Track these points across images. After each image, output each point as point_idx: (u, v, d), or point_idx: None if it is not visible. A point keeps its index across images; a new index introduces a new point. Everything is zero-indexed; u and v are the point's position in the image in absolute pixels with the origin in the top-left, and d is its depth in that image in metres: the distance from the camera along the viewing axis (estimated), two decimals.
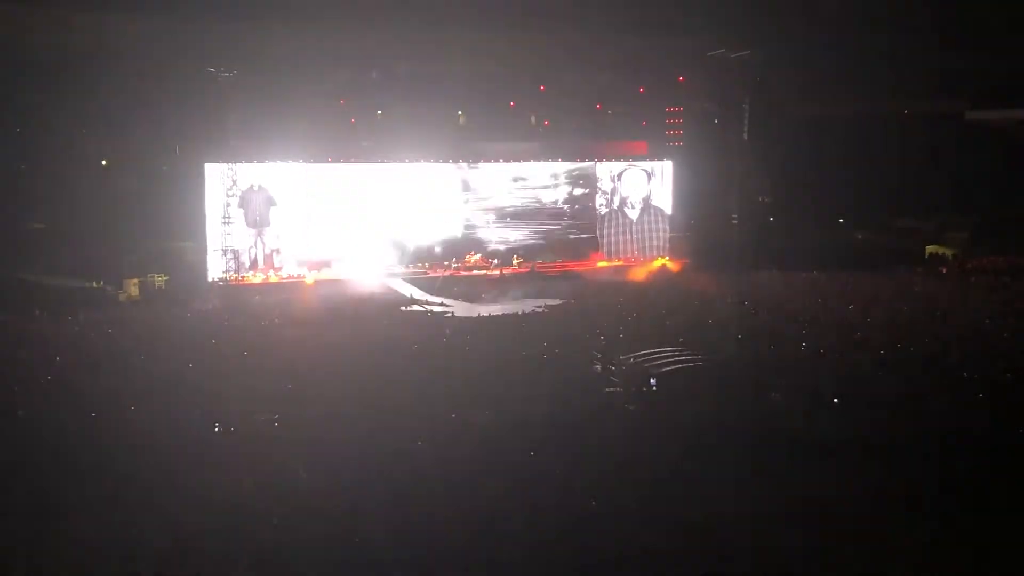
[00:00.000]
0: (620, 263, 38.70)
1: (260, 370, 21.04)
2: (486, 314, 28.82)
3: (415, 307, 30.96)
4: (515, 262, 37.32)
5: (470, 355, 22.83)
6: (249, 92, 33.69)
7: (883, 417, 17.35)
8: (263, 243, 34.16)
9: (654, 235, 39.43)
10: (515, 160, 37.82)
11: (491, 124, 38.51)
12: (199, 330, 26.16)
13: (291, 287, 33.37)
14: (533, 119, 39.57)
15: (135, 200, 32.62)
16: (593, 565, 12.07)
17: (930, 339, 23.55)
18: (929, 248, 40.54)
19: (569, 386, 19.95)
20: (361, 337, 25.24)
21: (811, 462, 14.97)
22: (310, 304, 30.56)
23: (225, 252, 33.57)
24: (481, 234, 37.51)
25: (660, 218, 39.46)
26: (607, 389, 20.44)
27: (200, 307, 30.40)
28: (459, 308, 30.51)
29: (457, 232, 37.15)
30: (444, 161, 36.87)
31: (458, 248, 36.97)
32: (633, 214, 39.30)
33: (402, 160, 36.02)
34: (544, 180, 38.38)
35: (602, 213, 39.07)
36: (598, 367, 21.73)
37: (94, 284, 31.62)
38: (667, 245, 39.32)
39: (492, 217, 37.59)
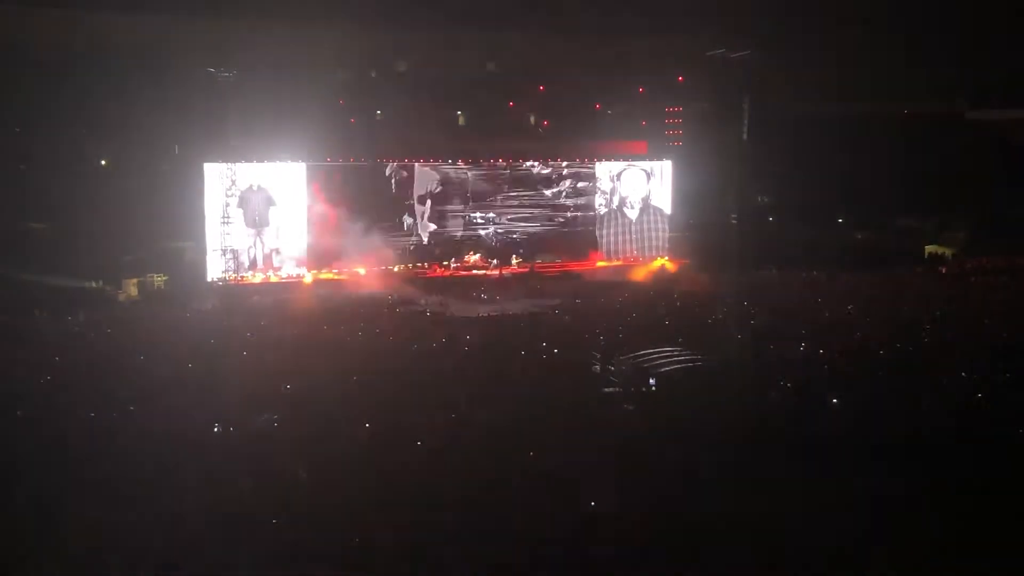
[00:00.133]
0: (619, 263, 38.71)
1: (259, 370, 21.02)
2: (485, 314, 28.83)
3: (414, 307, 30.95)
4: (514, 262, 37.34)
5: (469, 355, 22.83)
6: (248, 92, 33.66)
7: (882, 417, 17.34)
8: (262, 243, 34.15)
9: (653, 235, 39.43)
10: (514, 160, 37.83)
11: (490, 124, 38.52)
12: (198, 330, 26.15)
13: (290, 287, 33.37)
14: (532, 119, 39.59)
15: (134, 200, 32.56)
16: (592, 565, 12.06)
17: (929, 339, 23.56)
18: (928, 248, 40.57)
19: (568, 386, 19.95)
20: (360, 337, 25.25)
21: (811, 462, 14.94)
22: (309, 304, 30.55)
23: (224, 252, 33.57)
24: (480, 234, 37.52)
25: (659, 218, 39.46)
26: (606, 389, 20.44)
27: (199, 307, 30.40)
28: (458, 308, 30.51)
29: (456, 232, 37.16)
30: (443, 161, 36.87)
31: (457, 248, 36.98)
32: (632, 214, 39.30)
33: (401, 160, 36.02)
34: (543, 180, 38.38)
35: (601, 213, 39.08)
36: (597, 367, 21.72)
37: (93, 284, 31.62)
38: (666, 245, 39.33)
39: (491, 217, 37.60)
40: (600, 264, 38.58)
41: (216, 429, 16.80)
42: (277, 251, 34.34)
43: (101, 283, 31.78)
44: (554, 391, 19.36)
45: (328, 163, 35.22)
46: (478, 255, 36.99)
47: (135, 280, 32.12)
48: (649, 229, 39.43)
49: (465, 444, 16.10)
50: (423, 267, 36.13)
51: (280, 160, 33.98)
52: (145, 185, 33.47)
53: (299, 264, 34.40)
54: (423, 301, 31.68)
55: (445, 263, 36.54)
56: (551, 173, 38.38)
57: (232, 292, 32.74)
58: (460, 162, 37.12)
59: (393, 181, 36.10)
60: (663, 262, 38.75)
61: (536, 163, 38.11)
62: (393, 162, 36.00)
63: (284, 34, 33.74)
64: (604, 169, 39.05)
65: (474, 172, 37.36)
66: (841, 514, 13.21)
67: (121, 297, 31.47)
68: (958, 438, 16.01)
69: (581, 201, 38.82)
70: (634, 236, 39.28)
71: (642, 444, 16.31)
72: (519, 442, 16.10)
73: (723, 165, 40.47)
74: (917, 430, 16.56)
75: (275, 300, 31.28)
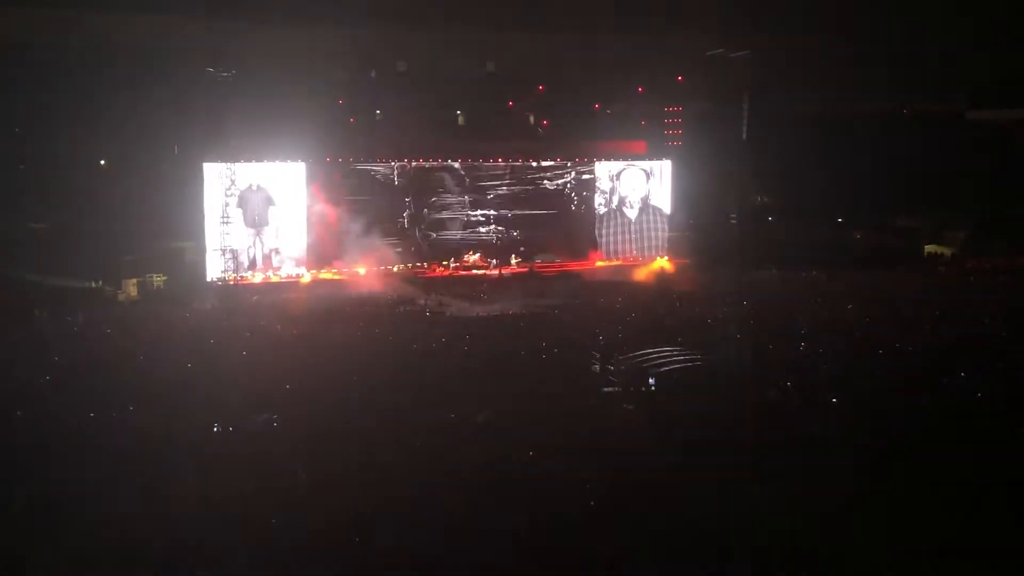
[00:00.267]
0: (619, 263, 38.71)
1: (259, 370, 21.02)
2: (484, 314, 28.84)
3: (414, 307, 30.95)
4: (513, 262, 37.34)
5: (469, 355, 22.83)
6: (248, 92, 33.67)
7: (881, 417, 17.34)
8: (262, 243, 34.15)
9: (653, 235, 39.43)
10: (513, 160, 37.82)
11: (489, 124, 38.52)
12: (198, 330, 26.15)
13: (290, 287, 33.38)
14: (532, 119, 39.59)
15: (134, 200, 32.58)
16: (592, 565, 12.07)
17: (929, 338, 23.57)
18: (928, 247, 40.58)
19: (568, 386, 19.96)
20: (360, 337, 25.25)
21: (811, 462, 14.94)
22: (309, 304, 30.54)
23: (224, 252, 33.57)
24: (480, 234, 37.52)
25: (659, 217, 39.46)
26: (606, 389, 20.45)
27: (199, 307, 30.40)
28: (457, 308, 30.52)
29: (455, 232, 37.17)
30: (443, 161, 36.87)
31: (457, 248, 36.99)
32: (632, 214, 39.30)
33: (401, 160, 36.03)
34: (543, 180, 38.38)
35: (601, 213, 39.08)
36: (597, 367, 21.73)
37: (93, 284, 31.62)
38: (666, 245, 39.33)
39: (491, 215, 37.60)
40: (599, 264, 38.58)
41: (216, 429, 16.80)
42: (277, 251, 34.35)
43: (101, 283, 31.77)
44: (553, 391, 19.37)
45: (328, 163, 35.23)
46: (477, 255, 36.99)
47: (135, 280, 32.12)
48: (648, 229, 39.43)
49: (465, 443, 16.12)
50: (422, 267, 36.14)
51: (279, 160, 33.97)
52: (145, 185, 33.48)
53: (298, 264, 34.41)
54: (423, 301, 31.69)
55: (444, 263, 36.55)
56: (550, 173, 38.36)
57: (232, 292, 32.73)
58: (460, 162, 37.11)
59: (392, 181, 36.10)
60: (662, 262, 38.75)
61: (536, 163, 38.09)
62: (392, 162, 35.99)
63: (284, 34, 33.75)
64: (604, 169, 39.06)
65: (474, 172, 37.34)
66: (840, 514, 13.23)
67: (121, 297, 31.47)
68: (957, 438, 16.01)
69: (581, 201, 38.81)
70: (633, 236, 39.28)
71: (641, 443, 16.34)
72: (518, 442, 16.11)
73: (723, 165, 40.48)
74: (916, 430, 16.57)
75: (274, 300, 31.27)
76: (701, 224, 39.83)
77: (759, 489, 13.90)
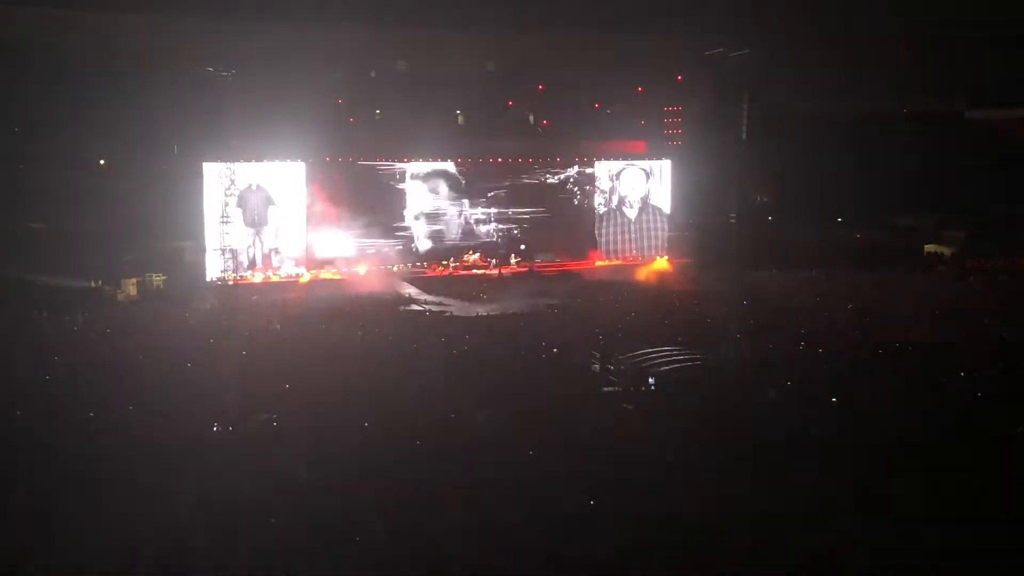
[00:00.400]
0: (618, 262, 38.71)
1: (259, 370, 21.02)
2: (484, 313, 28.84)
3: (413, 306, 30.96)
4: (513, 261, 37.34)
5: (468, 355, 22.83)
6: (247, 92, 33.64)
7: (881, 417, 17.35)
8: (261, 243, 34.15)
9: (653, 234, 39.46)
10: (513, 159, 37.81)
11: (489, 123, 38.51)
12: (197, 330, 26.15)
13: (289, 287, 33.38)
14: (531, 118, 39.58)
15: (133, 200, 32.54)
16: (592, 565, 12.07)
17: (928, 338, 23.57)
18: (928, 247, 40.56)
19: (568, 386, 19.96)
20: (359, 337, 25.25)
21: (811, 462, 14.95)
22: (308, 304, 30.54)
23: (223, 252, 33.56)
24: (479, 233, 37.51)
25: (659, 217, 39.48)
26: (606, 389, 20.45)
27: (198, 307, 30.38)
28: (457, 307, 30.52)
29: (455, 231, 37.16)
30: (442, 160, 36.86)
31: (456, 247, 36.98)
32: (632, 213, 39.32)
33: (400, 159, 36.03)
34: (542, 179, 38.37)
35: (600, 212, 39.09)
36: (596, 367, 21.73)
37: (92, 284, 31.60)
38: (665, 244, 39.34)
39: (490, 216, 37.60)
40: (599, 263, 38.57)
41: (215, 429, 16.81)
42: (276, 251, 34.34)
43: (100, 283, 31.75)
44: (552, 391, 19.37)
45: (327, 162, 35.23)
46: (477, 254, 37.00)
47: (134, 280, 32.10)
48: (648, 228, 39.46)
49: (463, 444, 16.12)
50: (422, 266, 36.13)
51: (279, 160, 33.96)
52: (144, 185, 33.43)
53: (298, 264, 34.40)
54: (422, 300, 31.68)
55: (444, 263, 36.54)
56: (550, 172, 38.36)
57: (231, 292, 32.72)
58: (459, 161, 37.10)
59: (392, 180, 36.08)
60: (662, 261, 38.74)
61: (535, 162, 38.08)
62: (392, 161, 35.98)
63: (283, 34, 33.71)
64: (603, 168, 39.05)
65: (473, 172, 37.33)
66: (840, 514, 13.23)
67: (120, 297, 31.44)
68: (957, 438, 16.02)
69: (580, 200, 38.81)
70: (633, 235, 39.30)
71: (641, 443, 16.35)
72: (518, 442, 16.12)
73: (722, 164, 40.39)
74: (916, 430, 16.58)
75: (274, 300, 31.25)
76: (701, 224, 39.78)
77: (758, 489, 13.91)
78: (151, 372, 20.66)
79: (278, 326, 26.74)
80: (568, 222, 38.63)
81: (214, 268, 33.38)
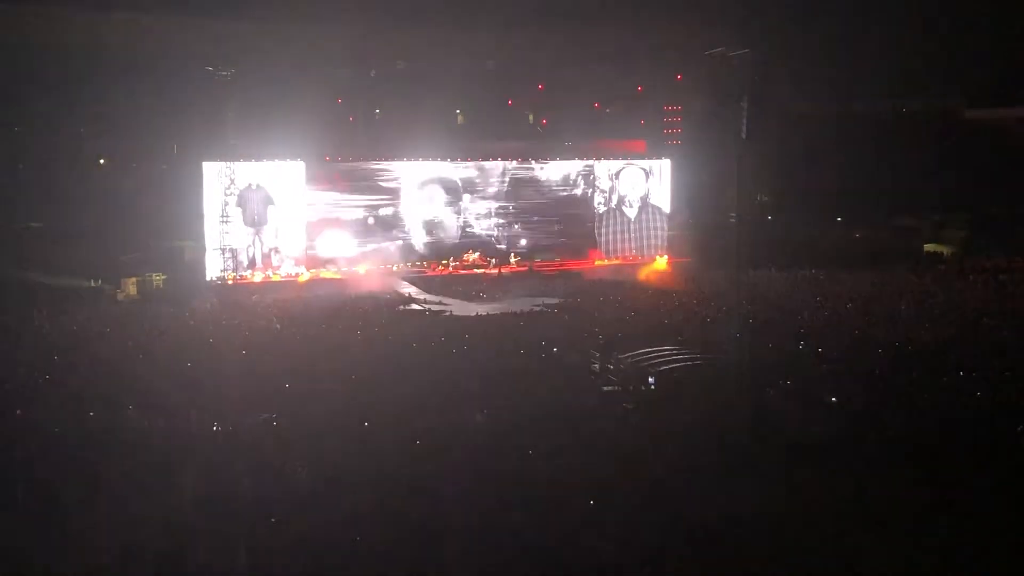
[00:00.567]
0: (618, 262, 38.71)
1: (258, 369, 21.02)
2: (484, 313, 28.83)
3: (413, 306, 30.95)
4: (513, 261, 37.34)
5: (468, 354, 22.83)
6: (247, 91, 33.66)
7: (881, 416, 17.35)
8: (261, 242, 34.12)
9: (652, 233, 39.45)
10: (513, 159, 37.82)
11: (489, 123, 38.53)
12: (197, 329, 26.14)
13: (289, 286, 33.34)
14: (531, 118, 39.60)
15: (133, 199, 32.60)
16: (591, 566, 12.07)
17: (928, 338, 23.57)
18: (927, 247, 40.56)
19: (568, 385, 19.96)
20: (359, 336, 25.24)
21: (810, 462, 14.96)
22: (308, 303, 30.52)
23: (223, 251, 33.53)
24: (479, 233, 37.51)
25: (658, 216, 39.48)
26: (606, 388, 20.45)
27: (198, 306, 30.37)
28: (457, 307, 30.51)
29: (455, 231, 37.17)
30: (442, 160, 36.86)
31: (456, 247, 36.99)
32: (631, 212, 39.32)
33: (400, 159, 36.03)
34: (542, 179, 38.39)
35: (600, 211, 39.09)
36: (597, 366, 21.73)
37: (92, 283, 31.60)
38: (665, 243, 39.34)
39: (490, 215, 37.59)
40: (599, 263, 38.56)
41: (215, 428, 16.81)
42: (276, 250, 34.31)
43: (100, 282, 31.75)
44: (552, 390, 19.38)
45: (327, 161, 35.20)
46: (477, 254, 36.99)
47: (134, 279, 32.08)
48: (648, 228, 39.44)
49: (463, 443, 16.13)
50: (422, 266, 36.12)
51: (279, 159, 33.94)
52: (144, 184, 33.53)
53: (298, 263, 34.38)
54: (422, 300, 31.67)
55: (444, 262, 36.54)
56: (550, 171, 38.36)
57: (231, 291, 32.70)
58: (459, 160, 37.10)
59: (392, 179, 36.07)
60: (662, 261, 38.73)
61: (535, 161, 38.09)
62: (392, 160, 35.97)
63: (283, 34, 33.74)
64: (603, 168, 39.05)
65: (473, 170, 37.33)
66: (840, 514, 13.24)
67: (120, 296, 31.43)
68: (957, 438, 16.03)
69: (580, 199, 38.81)
70: (633, 235, 39.29)
71: (641, 443, 16.36)
72: (518, 442, 16.12)
73: (722, 164, 40.42)
74: (916, 430, 16.59)
75: (274, 299, 31.22)
76: (700, 223, 39.80)
77: (758, 488, 13.92)
78: (151, 372, 20.64)
79: (278, 325, 26.72)
80: (568, 221, 38.62)
81: (214, 267, 33.35)
